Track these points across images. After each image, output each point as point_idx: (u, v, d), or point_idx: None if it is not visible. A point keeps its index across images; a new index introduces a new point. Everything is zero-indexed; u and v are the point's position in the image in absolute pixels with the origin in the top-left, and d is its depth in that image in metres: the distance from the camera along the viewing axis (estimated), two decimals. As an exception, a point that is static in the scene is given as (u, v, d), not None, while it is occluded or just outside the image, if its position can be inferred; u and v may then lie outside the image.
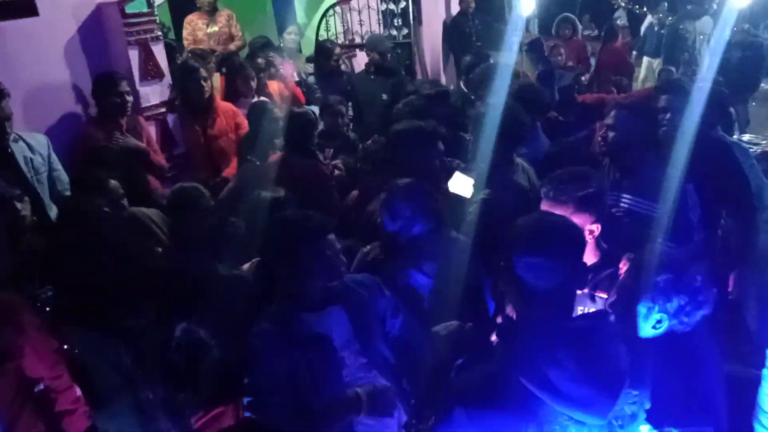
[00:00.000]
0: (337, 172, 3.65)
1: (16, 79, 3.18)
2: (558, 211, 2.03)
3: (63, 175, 3.15)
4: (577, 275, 1.53)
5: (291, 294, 2.01)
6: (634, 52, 8.35)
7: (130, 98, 3.49)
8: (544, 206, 2.15)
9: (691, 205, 2.66)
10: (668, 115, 3.10)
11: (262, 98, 4.40)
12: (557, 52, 6.46)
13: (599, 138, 2.84)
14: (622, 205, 2.69)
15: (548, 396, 1.40)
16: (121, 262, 2.25)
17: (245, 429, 1.99)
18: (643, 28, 8.35)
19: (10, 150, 2.90)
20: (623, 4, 7.70)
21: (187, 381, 2.08)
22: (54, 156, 3.13)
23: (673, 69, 6.56)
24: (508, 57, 6.12)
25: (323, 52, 5.32)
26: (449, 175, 2.90)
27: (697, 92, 3.05)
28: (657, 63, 7.37)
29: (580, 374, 1.38)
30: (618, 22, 8.87)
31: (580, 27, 8.08)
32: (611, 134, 2.72)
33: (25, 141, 3.00)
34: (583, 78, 6.56)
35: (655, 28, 7.77)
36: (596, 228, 2.13)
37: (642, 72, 7.79)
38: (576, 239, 1.57)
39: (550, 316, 1.47)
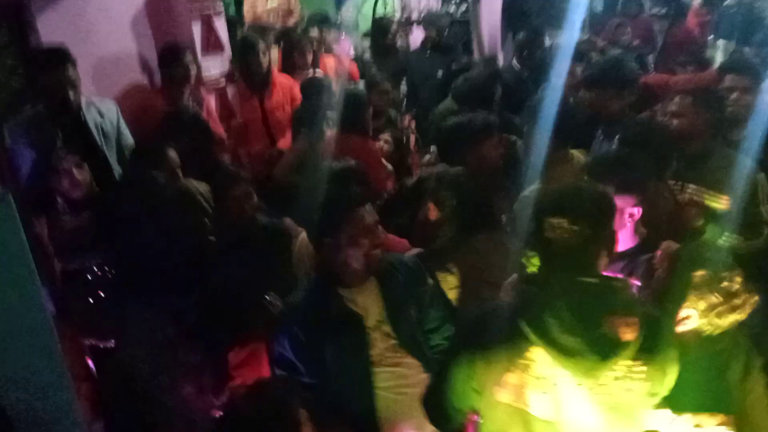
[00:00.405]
0: (385, 146, 3.67)
1: (87, 48, 3.34)
2: None
3: (130, 140, 3.27)
4: (602, 240, 1.53)
5: (329, 266, 2.03)
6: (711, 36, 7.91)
7: (192, 69, 3.60)
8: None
9: (762, 198, 2.52)
10: (735, 95, 2.97)
11: (317, 72, 4.44)
12: (622, 31, 6.23)
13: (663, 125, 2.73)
14: (686, 194, 2.60)
15: (540, 341, 1.43)
16: (171, 234, 2.33)
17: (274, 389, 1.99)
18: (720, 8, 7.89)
19: (83, 118, 3.03)
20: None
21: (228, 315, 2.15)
22: (123, 121, 3.24)
23: (746, 50, 6.21)
24: (569, 36, 5.94)
25: (380, 29, 5.32)
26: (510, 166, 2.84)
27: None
28: (732, 45, 6.97)
29: (574, 325, 1.40)
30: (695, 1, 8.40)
31: (647, 4, 7.73)
32: (675, 122, 2.61)
33: (96, 106, 3.12)
34: (648, 58, 6.32)
35: (733, 9, 7.32)
36: (637, 211, 2.08)
37: (719, 54, 7.37)
38: (602, 205, 1.56)
39: (568, 273, 1.48)
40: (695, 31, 7.37)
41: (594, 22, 7.57)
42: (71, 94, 2.93)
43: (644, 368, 1.45)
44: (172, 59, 3.55)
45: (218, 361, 2.34)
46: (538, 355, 1.46)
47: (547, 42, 5.30)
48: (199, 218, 2.84)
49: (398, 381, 2.04)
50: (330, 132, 3.53)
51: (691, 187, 2.61)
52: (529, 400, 1.49)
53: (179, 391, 2.16)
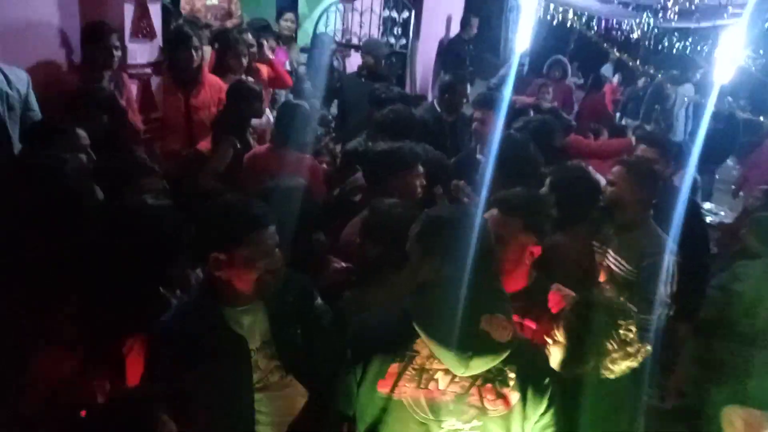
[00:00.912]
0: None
1: (2, 14, 3.08)
2: (506, 224, 2.14)
3: (38, 116, 3.04)
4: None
5: (214, 283, 1.88)
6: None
7: (117, 53, 3.42)
8: (493, 214, 2.19)
9: (665, 279, 2.62)
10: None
11: (249, 78, 4.34)
12: (545, 91, 6.61)
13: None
14: (606, 261, 2.73)
15: (425, 332, 1.61)
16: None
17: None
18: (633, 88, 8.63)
19: (-13, 81, 2.79)
20: (617, 55, 7.94)
21: None
22: (32, 95, 3.02)
23: (647, 126, 6.81)
24: (496, 87, 6.25)
25: (318, 45, 5.32)
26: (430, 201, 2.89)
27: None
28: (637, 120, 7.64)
29: (456, 320, 1.55)
30: (614, 78, 9.16)
31: (570, 71, 8.29)
32: (610, 189, 2.75)
33: (4, 74, 2.88)
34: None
35: (643, 90, 8.00)
36: (536, 251, 2.17)
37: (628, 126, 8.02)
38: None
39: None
40: (608, 104, 8.02)
41: (520, 80, 8.02)
42: None
43: (514, 375, 1.60)
44: (96, 39, 3.36)
45: (103, 351, 2.10)
46: (421, 347, 1.60)
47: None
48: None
49: (282, 408, 1.97)
50: (266, 147, 3.41)
51: (611, 254, 2.74)
52: (408, 394, 1.60)
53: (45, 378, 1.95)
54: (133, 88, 3.76)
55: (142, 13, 3.77)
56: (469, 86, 5.39)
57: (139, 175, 2.61)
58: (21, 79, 2.96)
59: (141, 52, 3.83)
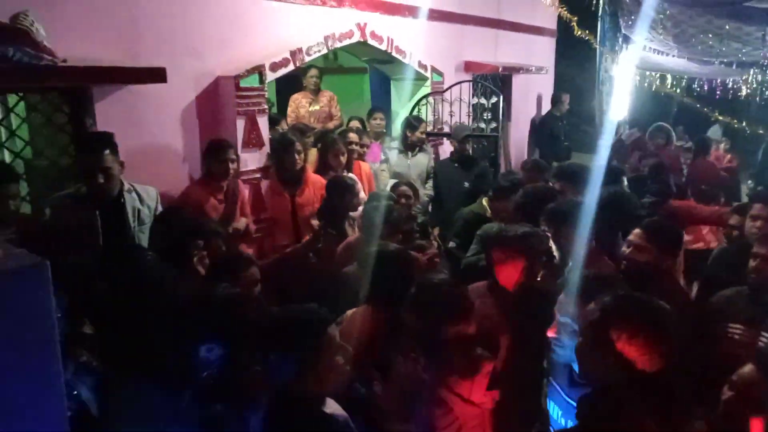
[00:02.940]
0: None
1: (136, 135, 3.56)
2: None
3: None
4: None
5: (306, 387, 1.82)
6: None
7: (235, 165, 3.78)
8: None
9: None
10: (759, 223, 3.03)
11: (350, 174, 4.60)
12: (644, 162, 6.39)
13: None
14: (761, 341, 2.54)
15: None
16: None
17: None
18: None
19: (122, 200, 3.13)
20: (720, 119, 7.57)
21: None
22: (161, 209, 3.31)
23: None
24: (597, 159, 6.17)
25: (409, 125, 5.55)
26: None
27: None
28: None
29: None
30: (721, 146, 8.71)
31: (674, 136, 7.97)
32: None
33: (137, 192, 3.21)
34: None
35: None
36: None
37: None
38: None
39: None
40: (718, 168, 7.56)
41: (619, 150, 7.82)
42: (103, 177, 2.98)
43: None
44: (216, 154, 3.72)
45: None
46: None
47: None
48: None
49: None
50: (352, 232, 3.57)
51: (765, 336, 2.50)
52: None
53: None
54: (246, 192, 4.12)
55: (252, 126, 4.19)
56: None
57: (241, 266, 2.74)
58: (151, 196, 3.29)
59: (251, 160, 4.23)
